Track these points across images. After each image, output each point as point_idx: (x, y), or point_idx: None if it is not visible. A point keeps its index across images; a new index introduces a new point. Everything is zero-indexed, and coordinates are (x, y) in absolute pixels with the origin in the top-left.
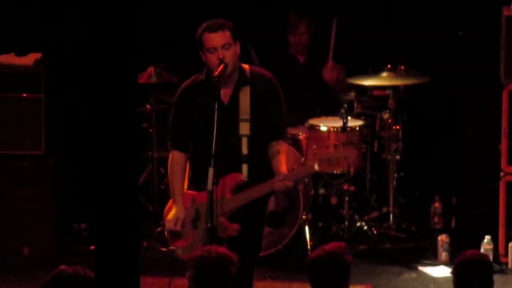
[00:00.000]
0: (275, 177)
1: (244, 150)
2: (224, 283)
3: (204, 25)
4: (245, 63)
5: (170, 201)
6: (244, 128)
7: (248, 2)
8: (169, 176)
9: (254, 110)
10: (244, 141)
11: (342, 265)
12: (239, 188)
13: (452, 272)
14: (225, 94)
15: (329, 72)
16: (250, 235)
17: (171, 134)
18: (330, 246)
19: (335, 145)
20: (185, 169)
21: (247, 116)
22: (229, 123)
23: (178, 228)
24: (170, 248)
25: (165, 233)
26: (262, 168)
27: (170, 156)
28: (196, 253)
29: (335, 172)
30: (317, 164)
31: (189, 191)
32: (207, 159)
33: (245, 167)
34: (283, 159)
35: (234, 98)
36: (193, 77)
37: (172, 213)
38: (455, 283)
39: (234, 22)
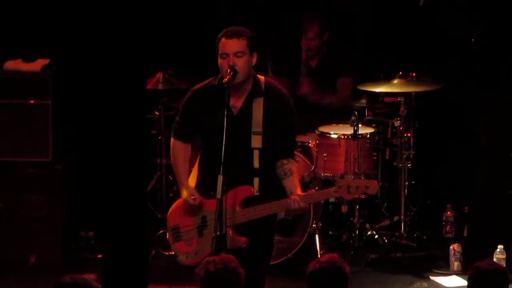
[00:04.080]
0: (289, 197)
1: (256, 164)
2: None
3: (224, 30)
4: (261, 74)
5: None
6: (256, 141)
7: (260, 9)
8: (172, 163)
9: (267, 123)
10: (256, 154)
11: (342, 274)
12: (249, 201)
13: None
14: (235, 103)
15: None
16: (261, 245)
17: (175, 127)
18: (326, 258)
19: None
20: (188, 157)
21: (260, 129)
22: (239, 134)
23: (197, 202)
24: (173, 252)
25: (167, 237)
26: (273, 183)
27: (172, 144)
28: (200, 266)
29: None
30: (335, 190)
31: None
32: (216, 166)
33: (256, 181)
34: (297, 180)
35: (246, 109)
36: (206, 81)
37: (184, 193)
38: None
39: (248, 30)
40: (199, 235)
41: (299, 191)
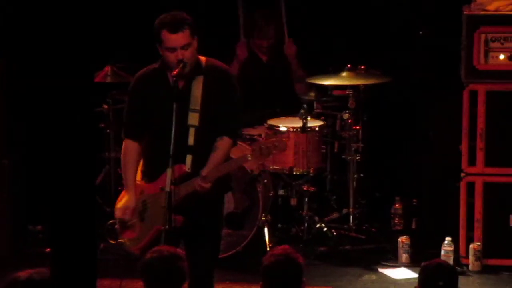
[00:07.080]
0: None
1: (190, 141)
2: (178, 279)
3: (163, 18)
4: (202, 55)
5: (122, 193)
6: (193, 119)
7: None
8: (122, 165)
9: (206, 101)
10: (192, 131)
11: (297, 266)
12: (182, 179)
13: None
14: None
15: (290, 46)
16: (208, 237)
17: (125, 123)
18: (279, 250)
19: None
20: (138, 158)
21: (197, 107)
22: (177, 112)
23: (127, 217)
24: (119, 240)
25: (116, 226)
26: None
27: (123, 145)
28: (143, 259)
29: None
30: (250, 155)
31: (139, 183)
32: (159, 152)
33: (189, 158)
34: (213, 158)
35: (186, 88)
36: (148, 66)
37: (122, 201)
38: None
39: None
40: (141, 219)
41: (205, 169)
